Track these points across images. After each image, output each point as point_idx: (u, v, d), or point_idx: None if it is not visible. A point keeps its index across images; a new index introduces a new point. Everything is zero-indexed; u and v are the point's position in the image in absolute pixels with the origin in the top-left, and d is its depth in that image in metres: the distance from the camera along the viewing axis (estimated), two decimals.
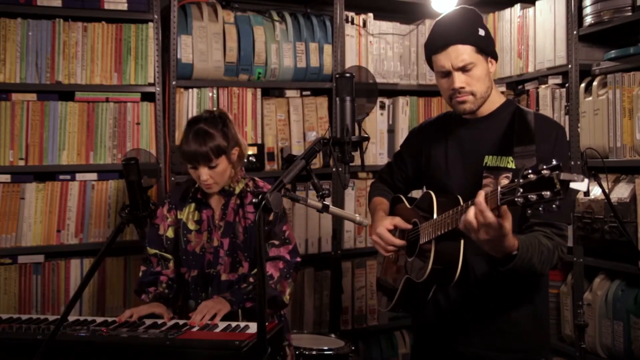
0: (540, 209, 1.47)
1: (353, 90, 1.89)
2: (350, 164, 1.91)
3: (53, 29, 3.05)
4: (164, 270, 2.52)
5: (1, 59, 2.97)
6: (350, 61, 3.56)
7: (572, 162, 3.06)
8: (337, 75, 1.92)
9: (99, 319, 2.30)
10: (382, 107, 3.70)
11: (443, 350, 2.11)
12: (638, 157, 2.77)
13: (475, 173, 2.01)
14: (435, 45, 2.04)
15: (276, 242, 2.48)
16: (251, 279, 2.42)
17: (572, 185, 1.43)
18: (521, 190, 1.49)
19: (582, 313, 2.51)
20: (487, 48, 2.04)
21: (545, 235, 1.88)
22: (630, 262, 2.77)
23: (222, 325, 2.20)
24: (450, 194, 2.00)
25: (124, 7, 3.13)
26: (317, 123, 3.53)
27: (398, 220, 2.12)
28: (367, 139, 1.94)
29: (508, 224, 1.65)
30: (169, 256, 2.53)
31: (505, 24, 3.57)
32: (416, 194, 2.30)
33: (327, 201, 1.93)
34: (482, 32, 2.02)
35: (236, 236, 2.48)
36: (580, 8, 3.09)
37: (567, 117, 3.13)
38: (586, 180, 1.44)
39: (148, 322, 2.27)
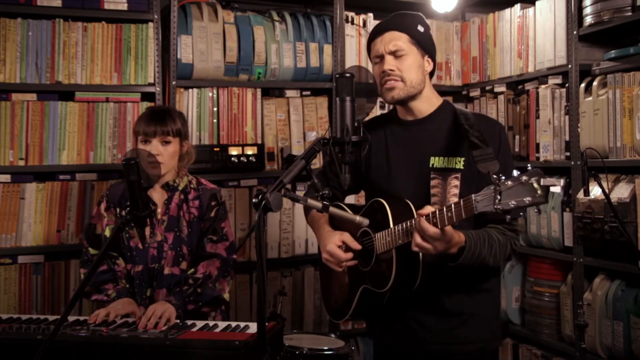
0: (521, 214, 1.49)
1: (353, 90, 1.88)
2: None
3: (53, 29, 3.05)
4: (116, 267, 2.50)
5: (1, 59, 2.97)
6: (350, 61, 3.56)
7: (572, 162, 3.07)
8: (337, 75, 1.92)
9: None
10: (382, 107, 3.70)
11: (408, 351, 2.11)
12: (638, 157, 2.77)
13: (422, 175, 2.03)
14: (374, 32, 2.11)
15: (214, 238, 2.51)
16: (191, 281, 2.43)
17: (553, 189, 1.45)
18: (499, 197, 1.50)
19: (582, 313, 2.51)
20: (423, 43, 2.07)
21: (497, 230, 1.96)
22: (630, 262, 2.77)
23: (222, 325, 2.20)
24: (400, 199, 2.01)
25: (124, 7, 3.13)
26: (317, 123, 3.53)
27: (347, 237, 2.09)
28: (367, 139, 1.94)
29: (448, 227, 1.75)
30: (114, 254, 2.52)
31: (505, 24, 3.57)
32: (351, 199, 2.27)
33: (327, 201, 1.92)
34: (421, 29, 2.07)
35: (180, 230, 2.50)
36: (580, 8, 3.08)
37: (567, 117, 3.13)
38: (562, 180, 1.47)
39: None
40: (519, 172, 1.49)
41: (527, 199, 1.46)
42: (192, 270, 2.47)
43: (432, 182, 2.00)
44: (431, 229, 1.74)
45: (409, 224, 1.85)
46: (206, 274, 2.44)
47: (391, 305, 2.07)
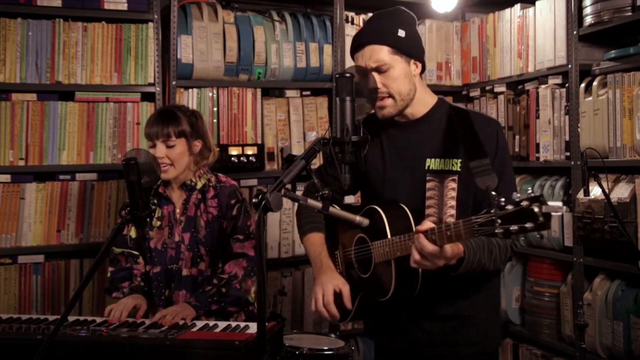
0: (522, 238, 1.48)
1: (353, 90, 1.88)
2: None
3: (53, 29, 3.05)
4: (135, 266, 2.53)
5: (1, 59, 2.97)
6: (350, 61, 3.52)
7: (572, 162, 3.07)
8: (337, 75, 1.91)
9: (99, 319, 2.30)
10: None
11: (407, 354, 2.09)
12: (638, 157, 2.77)
13: (418, 177, 1.98)
14: (353, 45, 2.06)
15: (240, 237, 2.49)
16: (215, 281, 2.43)
17: (554, 214, 1.43)
18: (499, 221, 1.49)
19: (582, 313, 2.51)
20: (407, 49, 1.98)
21: None
22: (630, 262, 2.77)
23: (222, 325, 2.20)
24: (395, 204, 1.96)
25: (124, 7, 3.13)
26: (317, 123, 3.54)
27: (345, 290, 2.00)
28: (367, 139, 1.93)
29: (447, 246, 1.70)
30: (136, 252, 2.55)
31: (505, 24, 3.57)
32: (350, 200, 2.24)
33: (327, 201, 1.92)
34: (401, 33, 1.98)
35: (197, 230, 2.50)
36: (580, 8, 3.08)
37: (567, 117, 3.13)
38: (562, 206, 1.45)
39: (148, 322, 2.27)
40: (518, 196, 1.47)
41: (529, 225, 1.44)
42: (220, 269, 2.47)
43: (428, 185, 1.96)
44: (430, 247, 1.69)
45: (407, 237, 1.83)
46: (232, 274, 2.43)
47: (390, 308, 2.04)
